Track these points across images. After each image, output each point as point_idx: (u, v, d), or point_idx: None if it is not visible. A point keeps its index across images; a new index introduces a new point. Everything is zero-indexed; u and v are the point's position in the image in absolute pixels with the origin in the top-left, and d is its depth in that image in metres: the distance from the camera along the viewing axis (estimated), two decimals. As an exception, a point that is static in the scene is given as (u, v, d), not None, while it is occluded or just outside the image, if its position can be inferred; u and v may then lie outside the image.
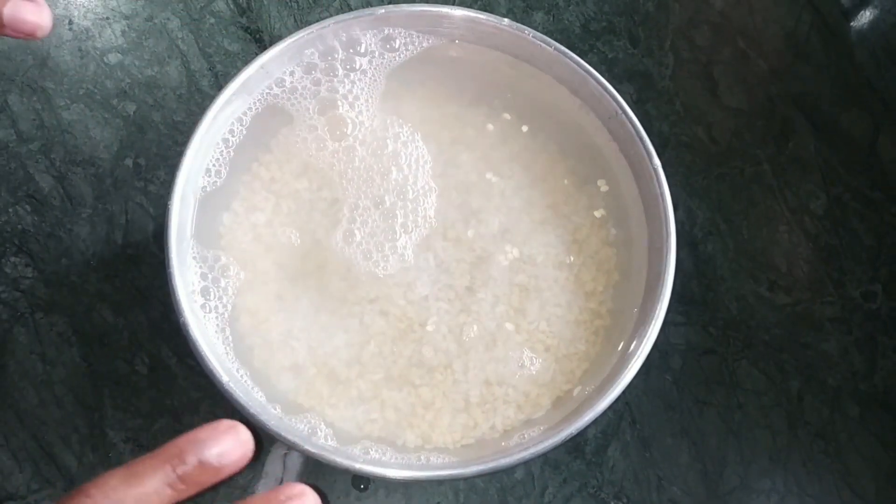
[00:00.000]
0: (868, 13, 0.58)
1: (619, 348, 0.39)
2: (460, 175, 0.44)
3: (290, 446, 0.34)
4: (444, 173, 0.44)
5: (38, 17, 0.30)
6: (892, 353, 0.49)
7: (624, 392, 0.37)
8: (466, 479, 0.43)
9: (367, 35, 0.44)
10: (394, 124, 0.44)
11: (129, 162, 0.48)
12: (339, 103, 0.43)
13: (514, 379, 0.40)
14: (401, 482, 0.43)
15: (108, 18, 0.51)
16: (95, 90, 0.49)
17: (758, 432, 0.47)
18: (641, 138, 0.41)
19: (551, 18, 0.55)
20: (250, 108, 0.42)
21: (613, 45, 0.55)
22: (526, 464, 0.44)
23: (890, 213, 0.53)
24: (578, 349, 0.41)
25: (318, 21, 0.42)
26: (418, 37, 0.44)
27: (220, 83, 0.50)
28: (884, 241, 0.52)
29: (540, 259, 0.42)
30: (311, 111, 0.43)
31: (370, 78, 0.44)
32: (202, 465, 0.24)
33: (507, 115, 0.45)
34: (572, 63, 0.42)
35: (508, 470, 0.44)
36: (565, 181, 0.44)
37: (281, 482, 0.35)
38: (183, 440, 0.25)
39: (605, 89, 0.42)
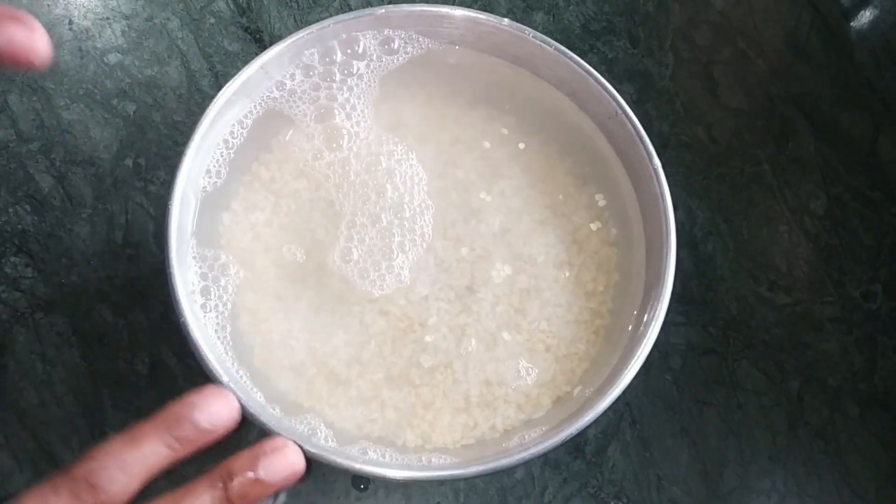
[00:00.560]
0: (868, 13, 0.58)
1: (620, 348, 0.39)
2: (461, 175, 0.44)
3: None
4: (444, 173, 0.44)
5: (29, 42, 0.25)
6: (892, 353, 0.49)
7: (624, 392, 0.37)
8: (466, 480, 0.43)
9: (368, 36, 0.44)
10: (394, 127, 0.44)
11: (129, 162, 0.48)
12: (336, 112, 0.43)
13: (515, 379, 0.40)
14: (400, 482, 0.43)
15: (108, 18, 0.51)
16: (95, 90, 0.49)
17: (758, 432, 0.47)
18: (642, 139, 0.41)
19: (551, 18, 0.55)
20: (251, 112, 0.42)
21: (613, 45, 0.55)
22: (526, 464, 0.44)
23: (890, 213, 0.53)
24: (579, 349, 0.41)
25: (318, 21, 0.42)
26: (418, 38, 0.44)
27: (220, 83, 0.50)
28: (884, 241, 0.52)
29: (540, 259, 0.42)
30: (308, 117, 0.43)
31: (366, 83, 0.44)
32: (195, 426, 0.26)
33: (506, 117, 0.45)
34: (572, 63, 0.42)
35: (508, 470, 0.44)
36: (565, 181, 0.44)
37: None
38: (176, 405, 0.27)
39: (605, 89, 0.42)
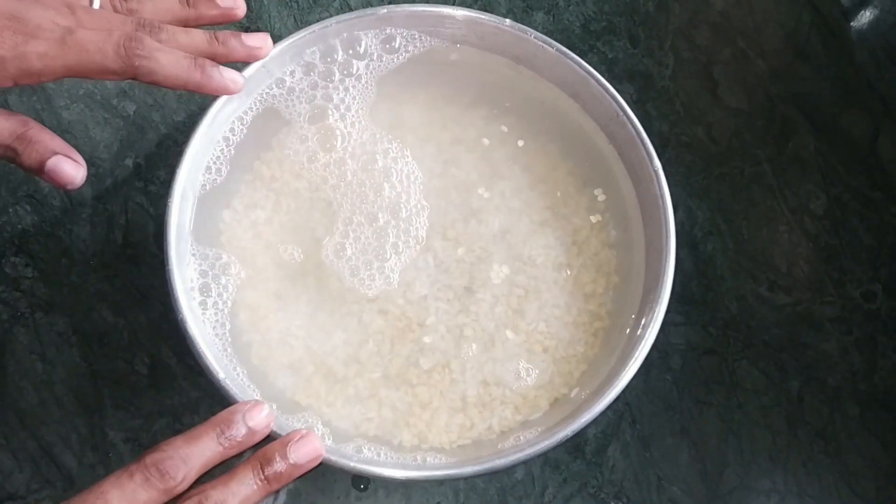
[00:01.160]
0: (868, 13, 0.58)
1: (618, 350, 0.39)
2: (461, 175, 0.44)
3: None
4: (444, 173, 0.44)
5: (74, 172, 0.34)
6: (892, 353, 0.49)
7: (624, 392, 0.37)
8: (466, 480, 0.43)
9: (369, 35, 0.44)
10: (394, 127, 0.44)
11: (129, 162, 0.48)
12: (330, 113, 0.43)
13: (512, 380, 0.40)
14: (397, 482, 0.43)
15: (108, 18, 0.51)
16: (95, 90, 0.49)
17: (758, 432, 0.47)
18: (642, 140, 0.41)
19: (551, 19, 0.55)
20: (251, 108, 0.42)
21: (613, 46, 0.55)
22: (526, 464, 0.44)
23: (890, 213, 0.53)
24: (577, 351, 0.41)
25: (319, 21, 0.42)
26: (419, 38, 0.44)
27: (220, 83, 0.50)
28: (884, 241, 0.52)
29: (539, 260, 0.42)
30: (303, 118, 0.43)
31: (364, 84, 0.44)
32: (245, 427, 0.33)
33: (507, 116, 0.45)
34: (574, 65, 0.42)
35: (508, 470, 0.44)
36: (566, 182, 0.44)
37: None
38: (227, 412, 0.33)
39: (606, 90, 0.42)
